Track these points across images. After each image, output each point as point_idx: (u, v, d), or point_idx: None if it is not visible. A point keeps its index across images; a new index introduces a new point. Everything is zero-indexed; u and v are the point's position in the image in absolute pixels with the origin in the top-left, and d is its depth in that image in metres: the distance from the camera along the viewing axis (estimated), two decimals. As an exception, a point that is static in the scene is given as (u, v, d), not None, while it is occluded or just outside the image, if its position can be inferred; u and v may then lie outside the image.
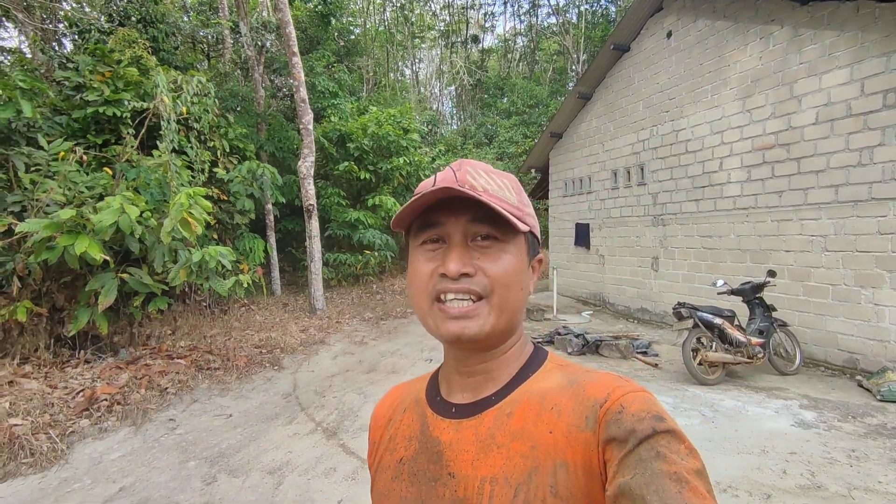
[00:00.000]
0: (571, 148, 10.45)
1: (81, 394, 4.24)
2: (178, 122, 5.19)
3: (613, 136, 9.03)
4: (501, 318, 0.61)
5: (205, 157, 5.80)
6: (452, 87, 27.60)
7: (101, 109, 6.31)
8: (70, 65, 7.26)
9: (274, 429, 3.99)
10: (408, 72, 27.52)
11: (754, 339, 5.05)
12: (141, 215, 4.47)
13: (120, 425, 4.00)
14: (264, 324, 7.22)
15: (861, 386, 4.95)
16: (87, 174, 5.58)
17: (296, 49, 7.38)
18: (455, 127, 25.46)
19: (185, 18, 13.24)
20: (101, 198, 5.45)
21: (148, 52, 6.96)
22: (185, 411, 4.35)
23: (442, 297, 0.61)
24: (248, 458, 3.48)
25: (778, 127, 5.98)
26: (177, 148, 5.12)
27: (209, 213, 4.71)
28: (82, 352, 5.03)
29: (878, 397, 4.60)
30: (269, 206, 9.79)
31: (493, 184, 0.63)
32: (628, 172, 8.64)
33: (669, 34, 7.64)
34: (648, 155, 8.12)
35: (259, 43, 10.23)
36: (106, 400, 4.18)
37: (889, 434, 3.86)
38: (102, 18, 9.51)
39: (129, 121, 5.12)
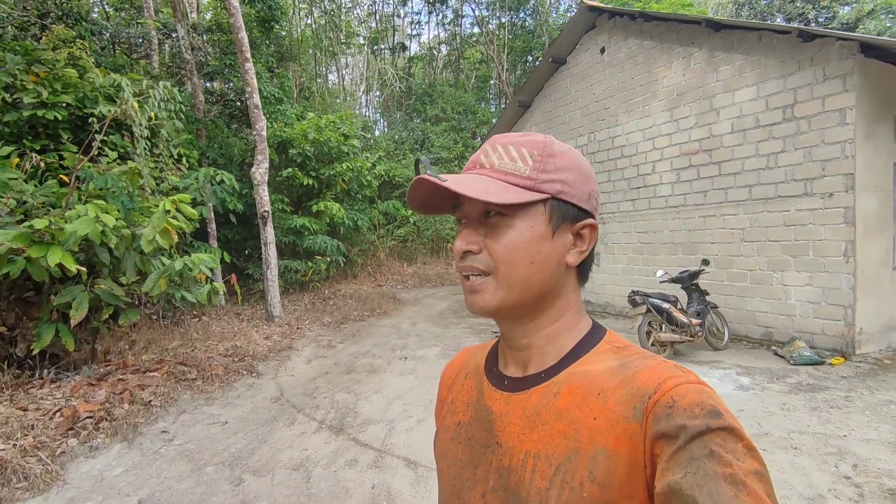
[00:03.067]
0: (512, 153, 11.06)
1: (59, 413, 4.02)
2: (147, 127, 5.01)
3: (553, 142, 9.72)
4: (511, 293, 0.62)
5: (169, 164, 5.61)
6: (377, 94, 27.73)
7: (39, 113, 5.90)
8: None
9: (279, 430, 4.05)
10: (332, 77, 27.28)
11: (694, 321, 5.81)
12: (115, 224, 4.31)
13: (110, 442, 3.86)
14: (224, 333, 7.04)
15: (776, 354, 5.86)
16: (27, 181, 5.21)
17: (248, 54, 7.27)
18: (380, 133, 25.59)
19: (93, 16, 12.35)
20: (51, 206, 5.13)
21: (86, 53, 6.55)
22: (175, 422, 4.26)
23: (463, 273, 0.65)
24: (265, 458, 3.55)
25: (701, 135, 6.89)
26: (141, 153, 4.93)
27: (190, 221, 4.62)
28: (45, 371, 4.71)
29: (791, 362, 5.50)
30: (212, 215, 9.46)
31: (506, 157, 0.63)
32: (568, 176, 9.36)
33: (603, 50, 8.45)
34: (587, 160, 8.86)
35: (196, 46, 9.85)
36: (90, 417, 4.00)
37: (805, 389, 4.68)
38: (14, 14, 8.70)
39: (96, 125, 4.85)
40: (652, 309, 5.64)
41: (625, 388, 0.57)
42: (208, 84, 12.38)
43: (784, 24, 23.21)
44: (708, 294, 6.23)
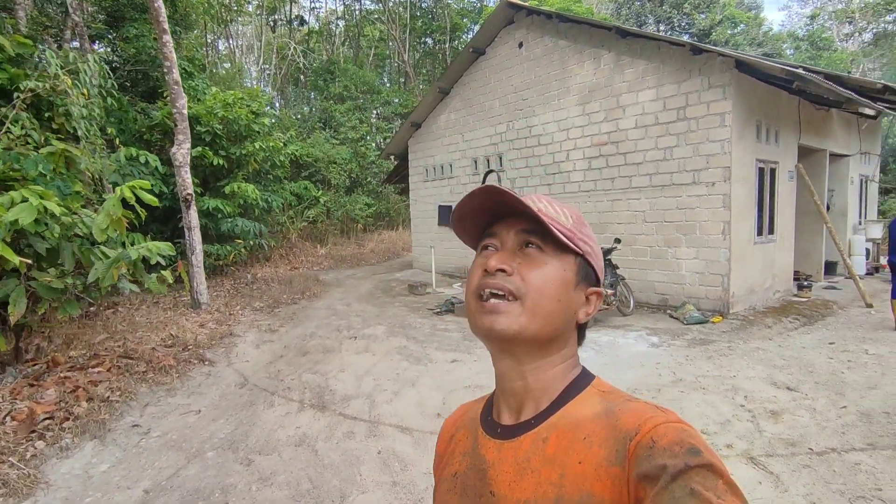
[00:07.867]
0: (431, 137, 11.45)
1: (10, 416, 3.73)
2: (84, 106, 4.56)
3: (472, 128, 10.29)
4: (532, 323, 0.63)
5: (99, 144, 5.13)
6: (268, 67, 26.24)
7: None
8: None
9: (262, 413, 4.14)
10: (220, 47, 25.29)
11: (608, 291, 6.77)
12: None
13: (79, 441, 3.69)
14: (152, 324, 6.65)
15: (671, 316, 7.05)
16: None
17: (166, 26, 6.70)
18: (271, 109, 24.38)
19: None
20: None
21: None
22: (143, 416, 4.15)
23: (482, 293, 0.65)
24: (262, 439, 3.67)
25: (609, 129, 7.85)
26: (82, 136, 4.51)
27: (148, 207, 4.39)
28: (-29, 375, 4.24)
29: (684, 322, 6.68)
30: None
31: (551, 209, 0.68)
32: (488, 160, 10.01)
33: (521, 45, 9.09)
34: (506, 146, 9.57)
35: (77, 7, 8.75)
36: (50, 418, 3.76)
37: (700, 343, 5.78)
38: None
39: (19, 99, 4.29)
40: (578, 282, 6.46)
41: (608, 431, 0.59)
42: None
43: (660, 28, 26.03)
44: (618, 268, 7.25)
